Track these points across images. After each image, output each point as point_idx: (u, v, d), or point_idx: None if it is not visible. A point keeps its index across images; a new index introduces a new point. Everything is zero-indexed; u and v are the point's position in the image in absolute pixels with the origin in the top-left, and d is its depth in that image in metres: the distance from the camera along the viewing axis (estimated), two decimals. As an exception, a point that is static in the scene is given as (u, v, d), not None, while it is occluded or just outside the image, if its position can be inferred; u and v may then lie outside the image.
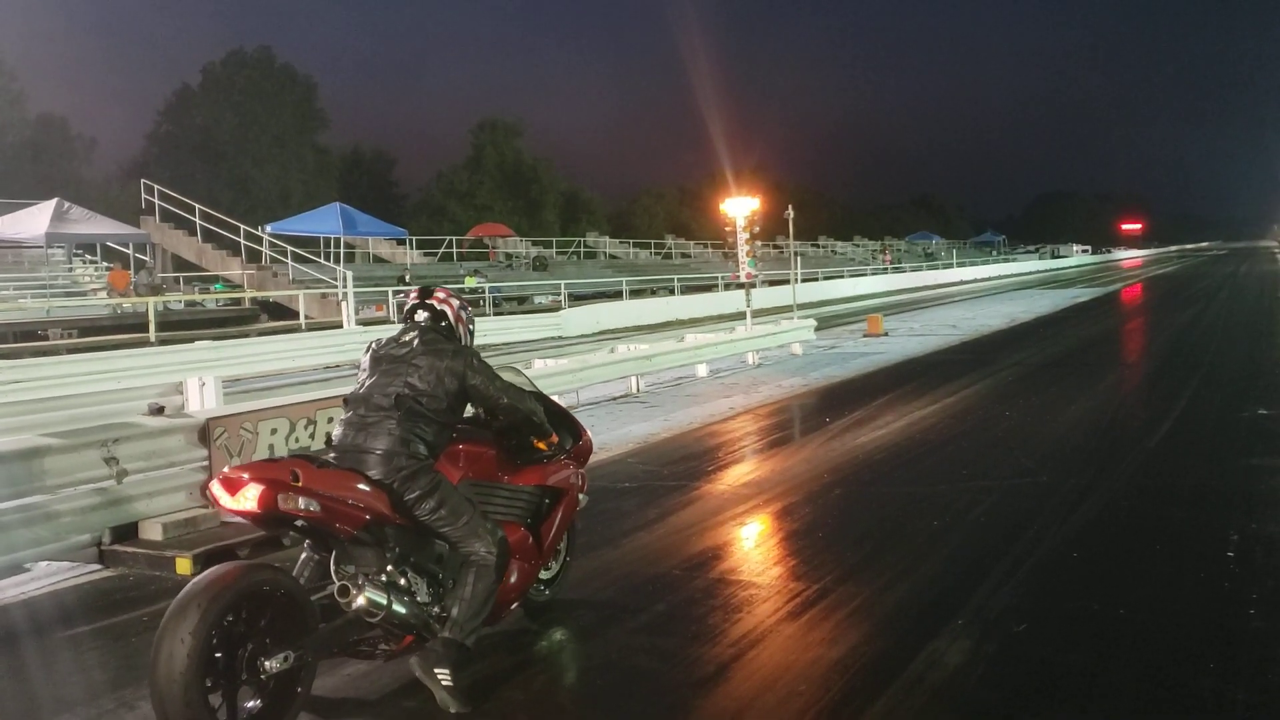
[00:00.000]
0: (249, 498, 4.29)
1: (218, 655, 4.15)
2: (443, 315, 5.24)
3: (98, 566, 7.19)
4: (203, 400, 9.85)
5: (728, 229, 22.44)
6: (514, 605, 5.45)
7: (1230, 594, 5.96)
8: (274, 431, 8.21)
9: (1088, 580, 6.33)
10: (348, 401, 5.03)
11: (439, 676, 4.66)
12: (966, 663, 5.06)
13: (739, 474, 9.94)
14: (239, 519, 4.73)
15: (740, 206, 22.03)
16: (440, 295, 5.31)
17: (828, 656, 5.21)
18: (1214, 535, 7.15)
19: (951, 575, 6.50)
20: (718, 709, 4.68)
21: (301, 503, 4.38)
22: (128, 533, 7.29)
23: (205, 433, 7.77)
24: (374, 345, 5.17)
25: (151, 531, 7.31)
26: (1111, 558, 6.81)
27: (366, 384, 4.98)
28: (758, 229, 22.24)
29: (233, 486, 4.32)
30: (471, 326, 5.41)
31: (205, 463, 7.75)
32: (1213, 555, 6.70)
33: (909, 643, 5.32)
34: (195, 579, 4.26)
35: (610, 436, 11.74)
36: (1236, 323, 27.65)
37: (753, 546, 7.62)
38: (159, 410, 7.94)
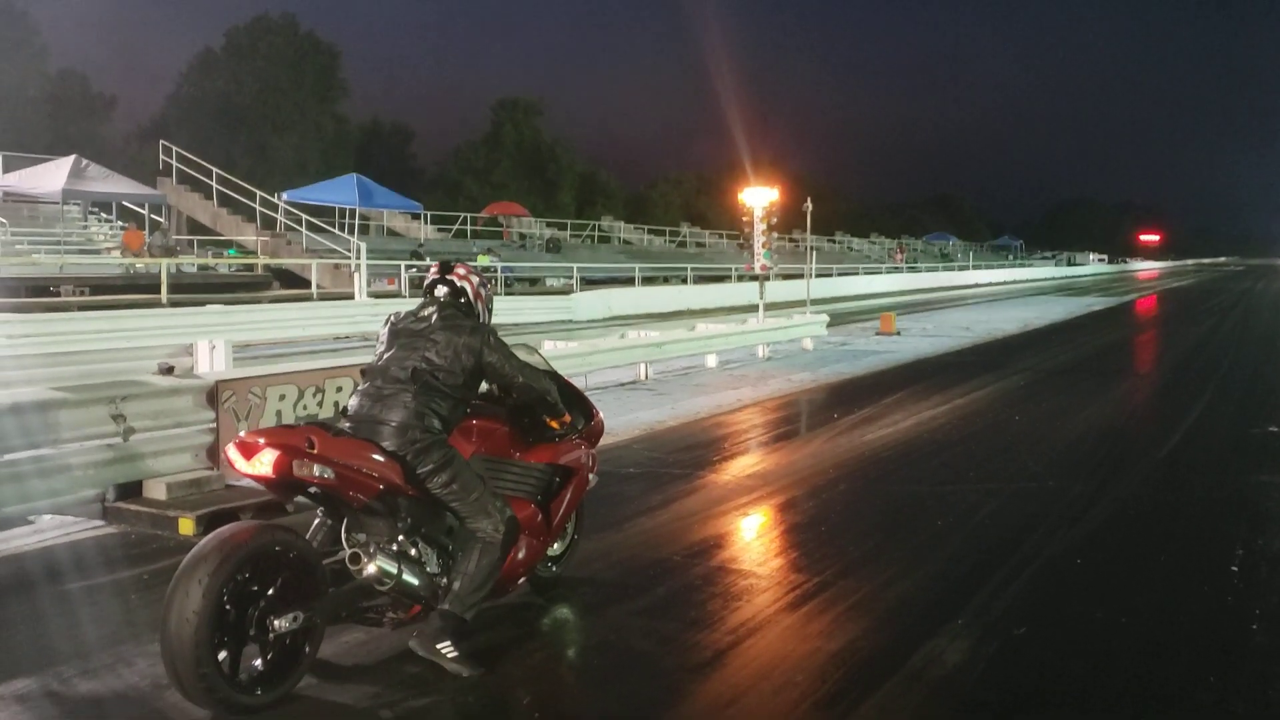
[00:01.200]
0: (265, 462, 4.33)
1: (228, 611, 4.21)
2: (462, 292, 5.24)
3: (101, 522, 7.21)
4: (212, 363, 9.87)
5: (744, 219, 22.32)
6: (521, 580, 5.47)
7: (1233, 608, 5.93)
8: (282, 398, 8.22)
9: (1091, 587, 6.31)
10: (365, 373, 5.06)
11: (442, 651, 4.71)
12: (965, 662, 5.04)
13: (744, 465, 9.93)
14: (252, 482, 4.76)
15: (758, 197, 21.93)
16: (460, 271, 5.31)
17: (825, 649, 5.20)
18: (1219, 549, 7.12)
19: (954, 575, 6.48)
20: (713, 695, 4.67)
21: (316, 470, 4.42)
22: (132, 490, 7.31)
23: (214, 395, 7.78)
24: (392, 318, 5.19)
25: (156, 491, 7.33)
26: (1115, 566, 6.77)
27: (384, 356, 5.00)
28: (775, 220, 22.14)
29: (249, 450, 4.36)
30: (490, 304, 5.42)
31: (212, 425, 7.76)
32: (1217, 569, 6.67)
33: (908, 639, 5.30)
34: (209, 536, 4.32)
35: (617, 422, 11.72)
36: (1251, 339, 27.53)
37: (755, 537, 7.61)
38: (168, 370, 7.94)
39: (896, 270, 65.65)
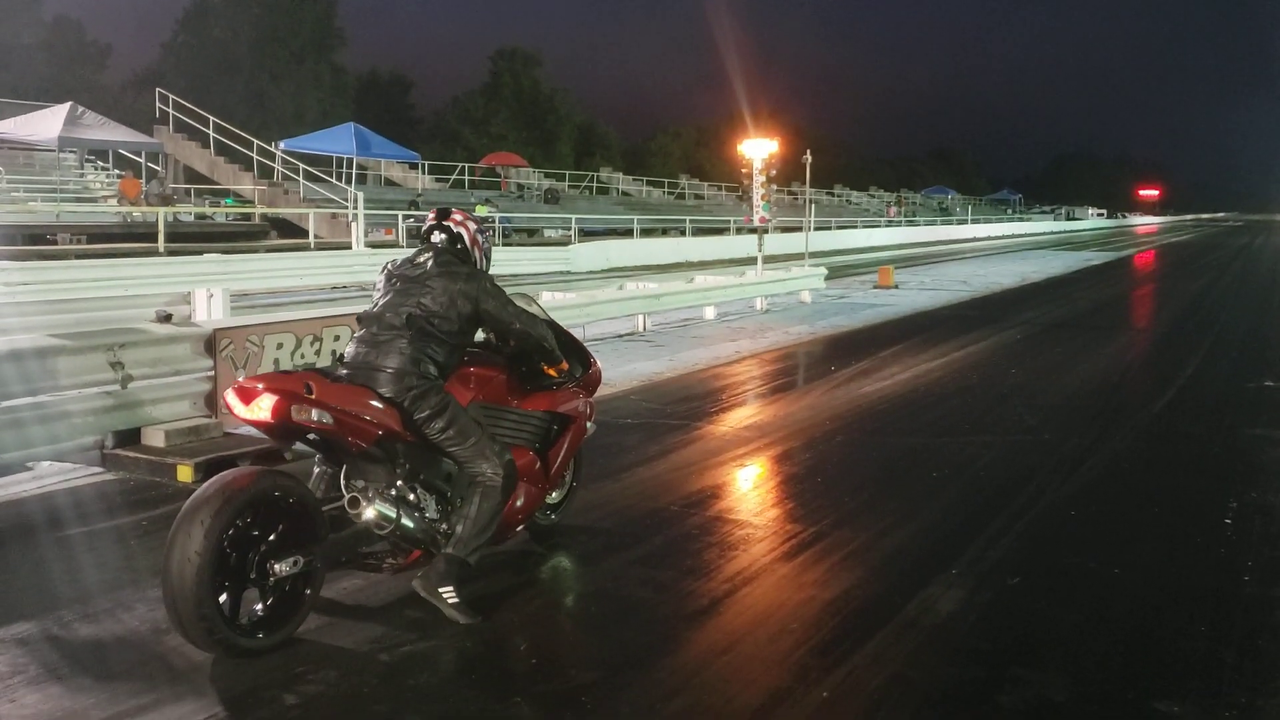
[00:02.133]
0: (263, 407, 4.35)
1: (229, 554, 4.25)
2: (459, 238, 5.23)
3: (99, 469, 7.22)
4: (210, 312, 9.85)
5: (744, 171, 22.21)
6: (519, 527, 5.52)
7: (1226, 560, 5.97)
8: (280, 346, 8.22)
9: (1084, 538, 6.35)
10: (361, 319, 5.06)
11: (444, 595, 4.76)
12: (959, 611, 5.08)
13: (741, 416, 9.95)
14: (250, 430, 4.78)
15: (757, 149, 21.80)
16: (457, 218, 5.30)
17: (820, 597, 5.24)
18: (1213, 502, 7.15)
19: (948, 526, 6.52)
20: (709, 642, 4.71)
21: (314, 415, 4.45)
22: (130, 438, 7.32)
23: (211, 343, 7.77)
24: (389, 265, 5.20)
25: (154, 438, 7.33)
26: (1109, 518, 6.82)
27: (380, 303, 5.01)
28: (774, 173, 22.02)
29: (247, 396, 4.39)
30: (488, 253, 5.41)
31: (210, 373, 7.76)
32: (1211, 521, 6.71)
33: (902, 588, 5.34)
34: (211, 480, 4.35)
35: (615, 373, 11.73)
36: (1249, 294, 27.54)
37: (751, 488, 7.64)
38: (166, 318, 7.92)
39: (895, 224, 65.44)
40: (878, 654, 4.58)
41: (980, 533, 6.32)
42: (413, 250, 5.26)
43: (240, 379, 4.54)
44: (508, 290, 5.30)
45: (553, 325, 5.74)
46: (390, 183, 42.38)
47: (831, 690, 4.22)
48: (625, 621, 4.94)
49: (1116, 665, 4.55)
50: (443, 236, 5.22)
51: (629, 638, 4.75)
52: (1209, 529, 6.55)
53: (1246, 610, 5.25)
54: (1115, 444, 8.94)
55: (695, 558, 5.79)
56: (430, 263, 5.05)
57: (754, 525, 6.43)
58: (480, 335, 5.39)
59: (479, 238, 5.33)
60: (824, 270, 22.56)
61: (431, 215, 5.34)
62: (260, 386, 4.41)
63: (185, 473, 6.88)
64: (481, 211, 35.36)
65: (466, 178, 46.48)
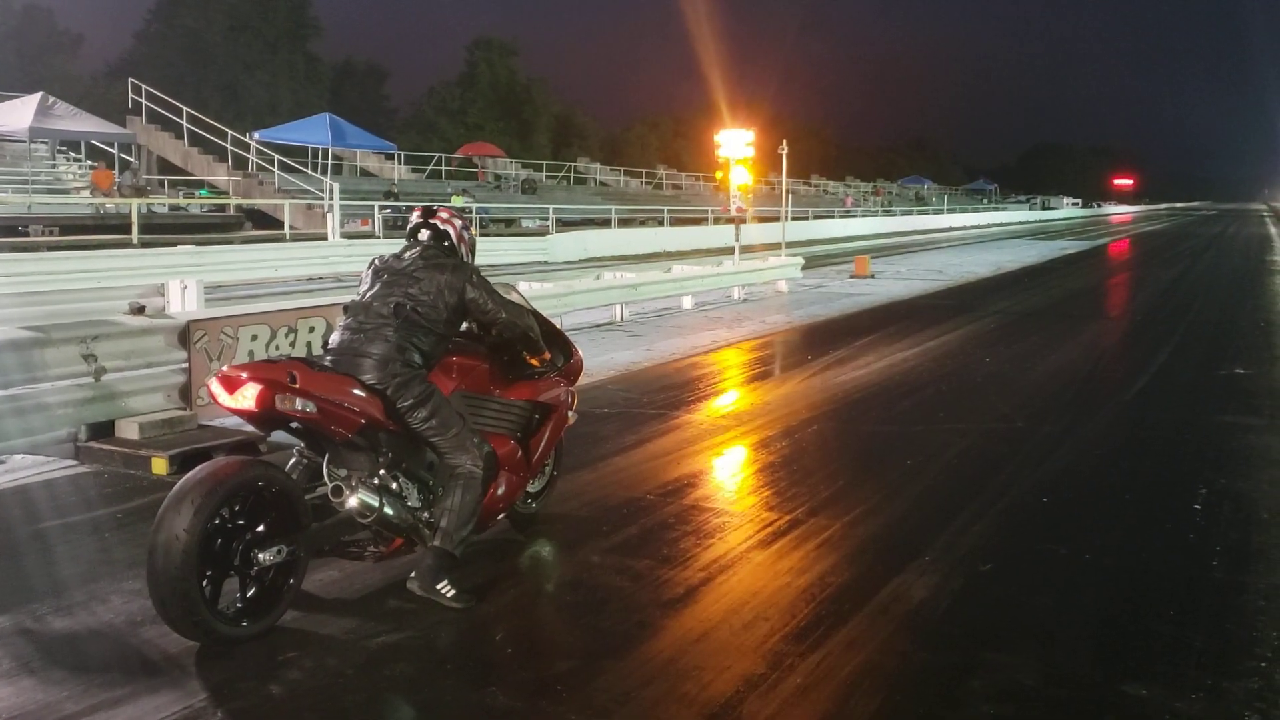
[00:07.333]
0: (247, 396, 4.37)
1: (214, 545, 4.28)
2: (445, 235, 5.32)
3: (73, 462, 7.19)
4: (184, 303, 9.79)
5: (719, 164, 22.22)
6: (500, 515, 5.55)
7: (1195, 545, 6.04)
8: (254, 338, 8.19)
9: (1056, 525, 6.41)
10: (348, 309, 5.12)
11: (441, 591, 4.83)
12: (931, 597, 5.13)
13: (718, 406, 9.98)
14: (226, 423, 4.80)
15: (734, 139, 21.82)
16: (443, 216, 5.40)
17: (795, 584, 5.28)
18: (1183, 488, 7.24)
19: (922, 513, 6.57)
20: (684, 630, 4.74)
21: (298, 404, 4.48)
22: (104, 430, 7.29)
23: (185, 335, 7.74)
24: (376, 261, 5.28)
25: (128, 430, 7.31)
26: (1081, 504, 6.89)
27: (367, 294, 5.08)
28: (750, 160, 22.05)
29: (231, 385, 4.41)
30: (473, 247, 5.49)
31: (184, 365, 7.73)
32: (1180, 507, 6.78)
33: (876, 575, 5.39)
34: (199, 467, 4.39)
35: (593, 363, 11.71)
36: (1221, 283, 27.74)
37: (727, 476, 7.67)
38: (139, 310, 7.88)
39: (871, 214, 65.61)
40: (851, 640, 4.62)
41: (953, 520, 6.37)
42: (390, 244, 5.29)
43: (224, 369, 4.56)
44: (490, 279, 5.34)
45: (536, 315, 5.79)
46: (366, 173, 42.20)
47: (805, 676, 4.26)
48: (601, 610, 4.96)
49: (1086, 649, 4.61)
50: (429, 234, 5.30)
51: (605, 626, 4.78)
52: (1179, 515, 6.62)
53: (1214, 594, 5.32)
54: (1087, 431, 9.02)
55: (671, 546, 5.82)
56: (417, 257, 5.14)
57: (730, 513, 6.47)
58: (463, 325, 5.44)
59: (465, 234, 5.42)
60: (801, 260, 22.61)
61: (417, 213, 5.41)
62: (244, 376, 4.43)
63: (160, 465, 6.86)
64: (457, 202, 35.29)
65: (443, 168, 46.34)
